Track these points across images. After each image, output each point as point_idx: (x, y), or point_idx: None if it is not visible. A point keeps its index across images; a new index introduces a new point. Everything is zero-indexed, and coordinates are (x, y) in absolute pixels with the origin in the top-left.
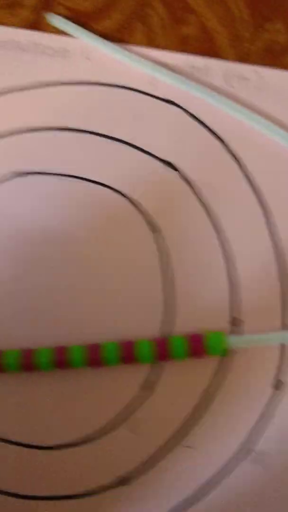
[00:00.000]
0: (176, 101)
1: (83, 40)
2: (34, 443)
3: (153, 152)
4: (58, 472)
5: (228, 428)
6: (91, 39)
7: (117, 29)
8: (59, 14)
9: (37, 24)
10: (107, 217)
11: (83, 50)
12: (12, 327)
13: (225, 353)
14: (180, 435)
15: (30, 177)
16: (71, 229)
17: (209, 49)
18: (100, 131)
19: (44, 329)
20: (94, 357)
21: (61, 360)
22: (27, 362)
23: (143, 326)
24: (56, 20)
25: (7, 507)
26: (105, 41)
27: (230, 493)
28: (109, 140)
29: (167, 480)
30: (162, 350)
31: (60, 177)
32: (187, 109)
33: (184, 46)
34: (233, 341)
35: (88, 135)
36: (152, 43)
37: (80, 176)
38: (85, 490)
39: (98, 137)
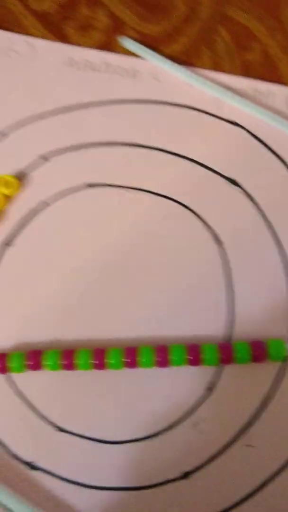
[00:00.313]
0: (240, 123)
1: (152, 62)
2: (106, 439)
3: (217, 170)
4: (124, 464)
5: (287, 429)
6: (160, 61)
7: (184, 53)
8: (130, 37)
9: (108, 46)
10: (174, 228)
11: (152, 71)
12: (85, 330)
13: (285, 359)
14: (240, 434)
15: (100, 188)
16: (139, 238)
17: (271, 75)
18: (167, 148)
19: (115, 332)
20: (163, 359)
21: (131, 361)
22: (100, 362)
23: (208, 330)
24: (128, 43)
25: (79, 496)
26: (173, 64)
27: (284, 490)
28: (175, 157)
29: (227, 475)
30: (227, 354)
31: (126, 190)
32: (250, 130)
33: (248, 71)
34: None
35: (155, 151)
36: (217, 67)
37: (148, 189)
38: (149, 483)
39: (165, 154)
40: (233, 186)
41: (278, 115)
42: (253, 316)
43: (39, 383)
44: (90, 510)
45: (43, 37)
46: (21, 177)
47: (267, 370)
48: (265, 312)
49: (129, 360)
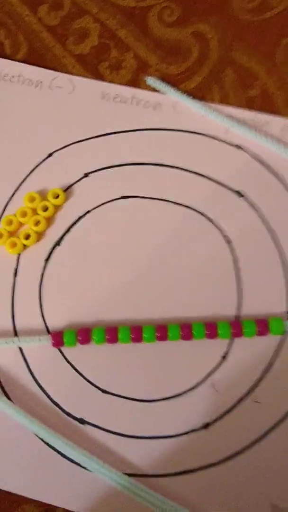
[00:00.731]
0: (243, 146)
1: (172, 97)
2: (141, 398)
3: (225, 183)
4: (156, 418)
5: (286, 388)
6: (178, 96)
7: (198, 89)
8: (153, 76)
9: (135, 83)
10: (193, 231)
11: (172, 104)
12: (124, 312)
13: (284, 333)
14: (249, 392)
15: (132, 199)
16: (165, 239)
17: (269, 108)
18: (185, 167)
19: (148, 314)
20: (187, 333)
21: (162, 335)
22: (137, 336)
23: (222, 311)
24: (152, 81)
25: (120, 444)
26: (189, 98)
27: (283, 436)
28: (191, 174)
29: (239, 425)
30: (237, 330)
31: (153, 200)
32: (251, 152)
33: (250, 104)
34: None
35: (176, 169)
36: (225, 101)
37: (171, 200)
38: (177, 432)
39: (183, 171)
40: (238, 197)
41: (274, 140)
42: (257, 299)
43: (87, 355)
44: (129, 455)
45: (81, 75)
46: (66, 190)
47: (269, 342)
48: (267, 296)
49: (160, 335)
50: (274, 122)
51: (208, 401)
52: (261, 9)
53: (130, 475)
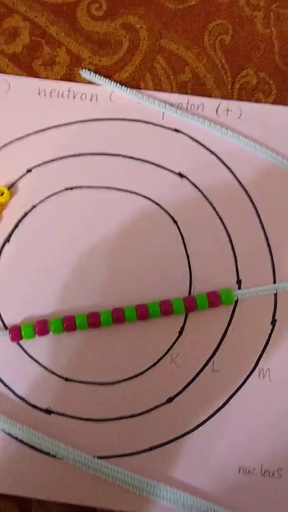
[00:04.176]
0: (180, 129)
1: (107, 87)
2: (103, 381)
3: (166, 166)
4: (120, 399)
5: (242, 354)
6: (113, 86)
7: (132, 78)
8: (87, 68)
9: (70, 77)
10: (138, 215)
11: (107, 95)
12: (83, 303)
13: (234, 303)
14: (207, 363)
15: (76, 190)
16: (112, 225)
17: (201, 91)
18: (126, 154)
19: (105, 302)
20: (142, 313)
21: (119, 317)
22: (94, 321)
23: (174, 288)
24: (86, 74)
25: (86, 429)
26: (123, 87)
27: (244, 401)
28: (133, 160)
29: (200, 395)
30: (191, 304)
31: (98, 189)
32: (188, 134)
33: (182, 89)
34: (239, 293)
35: (116, 157)
36: (158, 87)
37: (114, 187)
38: (142, 410)
39: (123, 158)
40: (180, 178)
41: (208, 121)
42: (207, 273)
43: (46, 346)
44: (98, 439)
45: (16, 74)
46: (11, 187)
47: (222, 312)
48: (215, 269)
49: (116, 316)
50: (207, 104)
51: (169, 376)
52: None
53: (100, 457)
